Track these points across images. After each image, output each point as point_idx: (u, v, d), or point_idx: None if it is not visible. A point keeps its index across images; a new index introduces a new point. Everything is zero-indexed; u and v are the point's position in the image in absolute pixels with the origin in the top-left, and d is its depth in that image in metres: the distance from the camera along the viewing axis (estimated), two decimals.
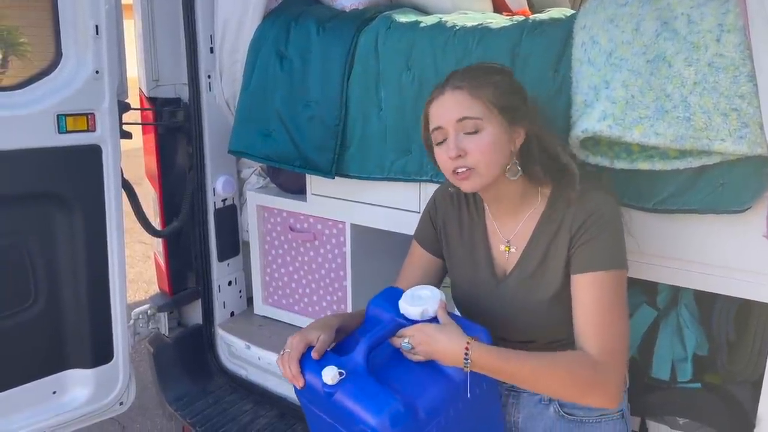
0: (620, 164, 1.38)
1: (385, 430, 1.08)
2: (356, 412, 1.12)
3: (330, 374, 1.14)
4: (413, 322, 1.23)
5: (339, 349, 1.27)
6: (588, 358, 1.17)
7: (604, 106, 1.27)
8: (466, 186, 1.26)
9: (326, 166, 1.90)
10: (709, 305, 1.65)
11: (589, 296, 1.21)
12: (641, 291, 1.75)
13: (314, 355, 1.21)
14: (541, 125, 1.29)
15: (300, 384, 1.21)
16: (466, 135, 1.23)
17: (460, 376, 1.18)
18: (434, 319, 1.23)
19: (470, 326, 1.22)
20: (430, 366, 1.20)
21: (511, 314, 1.31)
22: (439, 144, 1.28)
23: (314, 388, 1.19)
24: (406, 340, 1.20)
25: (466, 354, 1.14)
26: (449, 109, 1.24)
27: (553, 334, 1.30)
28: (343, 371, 1.15)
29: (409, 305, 1.24)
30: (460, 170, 1.24)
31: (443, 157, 1.26)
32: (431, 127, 1.29)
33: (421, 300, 1.25)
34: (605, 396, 1.18)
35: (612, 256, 1.22)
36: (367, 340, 1.19)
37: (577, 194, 1.26)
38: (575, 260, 1.24)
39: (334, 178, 1.91)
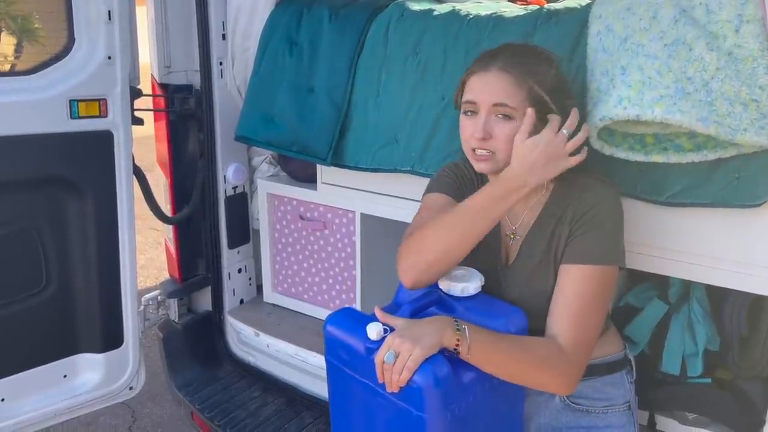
0: (635, 156, 1.36)
1: (428, 388, 1.07)
2: None
3: (375, 330, 1.14)
4: (453, 297, 1.23)
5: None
6: (557, 346, 1.17)
7: (620, 92, 1.24)
8: (481, 167, 1.27)
9: (323, 152, 1.88)
10: (721, 300, 1.63)
11: (574, 288, 1.21)
12: (653, 285, 1.74)
13: None
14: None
15: None
16: (497, 118, 1.23)
17: None
18: (465, 303, 1.21)
19: (504, 305, 1.23)
20: None
21: (513, 301, 1.31)
22: (466, 114, 1.27)
23: (353, 348, 1.18)
24: (387, 352, 1.08)
25: (456, 322, 1.10)
26: (489, 91, 1.23)
27: None
28: (387, 328, 1.15)
29: (451, 281, 1.24)
30: (480, 152, 1.25)
31: (468, 130, 1.26)
32: (465, 96, 1.28)
33: (460, 279, 1.25)
34: (567, 385, 1.19)
35: (605, 251, 1.22)
36: (410, 304, 1.19)
37: (582, 187, 1.25)
38: (568, 250, 1.24)
39: (330, 165, 1.90)
